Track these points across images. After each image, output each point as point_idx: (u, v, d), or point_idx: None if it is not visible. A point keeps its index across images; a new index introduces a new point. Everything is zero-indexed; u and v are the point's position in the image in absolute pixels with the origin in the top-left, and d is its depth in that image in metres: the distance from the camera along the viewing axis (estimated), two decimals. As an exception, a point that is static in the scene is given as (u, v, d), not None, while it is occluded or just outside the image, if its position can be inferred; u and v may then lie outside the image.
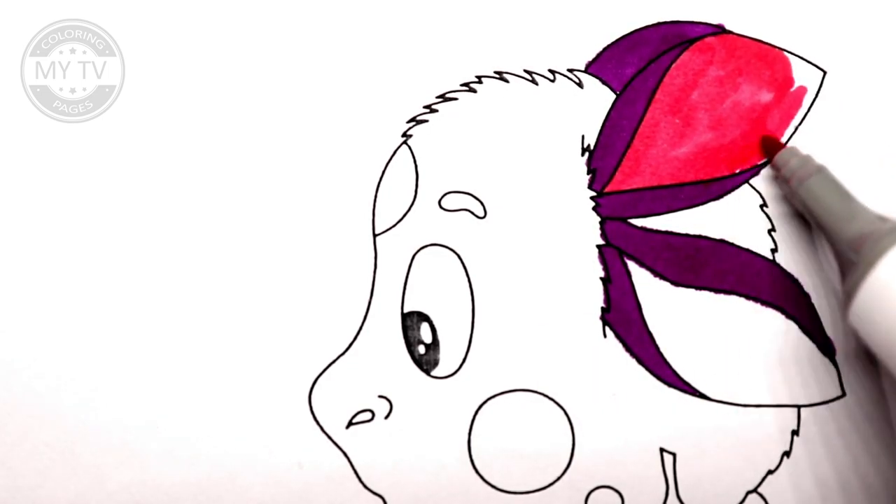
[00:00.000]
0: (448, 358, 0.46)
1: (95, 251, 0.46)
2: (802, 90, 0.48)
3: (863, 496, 0.45)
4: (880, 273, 0.40)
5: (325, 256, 0.46)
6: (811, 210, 0.45)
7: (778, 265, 0.47)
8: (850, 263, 0.42)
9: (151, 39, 0.48)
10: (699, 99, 0.48)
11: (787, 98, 0.48)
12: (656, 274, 0.46)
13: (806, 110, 0.48)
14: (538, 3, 0.49)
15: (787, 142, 0.48)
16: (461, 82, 0.48)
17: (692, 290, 0.46)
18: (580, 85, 0.48)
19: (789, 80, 0.48)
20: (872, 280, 0.40)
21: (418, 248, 0.46)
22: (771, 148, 0.47)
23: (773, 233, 0.47)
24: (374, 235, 0.46)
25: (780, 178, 0.47)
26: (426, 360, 0.46)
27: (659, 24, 0.49)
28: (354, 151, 0.47)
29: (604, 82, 0.48)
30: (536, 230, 0.47)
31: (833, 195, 0.44)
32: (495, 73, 0.48)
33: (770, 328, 0.46)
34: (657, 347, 0.46)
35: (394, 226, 0.46)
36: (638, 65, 0.48)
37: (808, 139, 0.48)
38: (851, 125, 0.48)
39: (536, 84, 0.48)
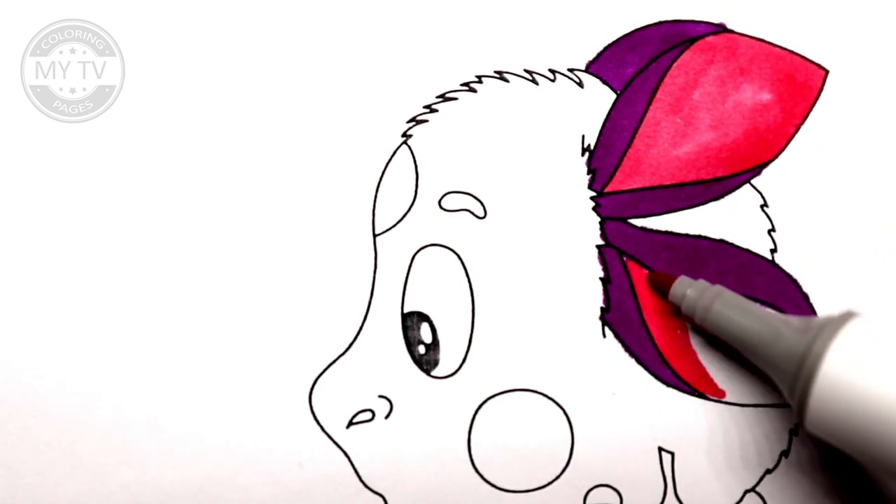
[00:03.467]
0: (448, 358, 0.46)
1: (96, 251, 0.46)
2: (805, 90, 0.48)
3: (860, 496, 0.45)
4: (829, 366, 0.39)
5: (325, 256, 0.46)
6: (728, 335, 0.43)
7: (778, 265, 0.47)
8: (786, 375, 0.41)
9: (151, 39, 0.48)
10: (700, 98, 0.48)
11: (790, 98, 0.48)
12: (656, 274, 0.46)
13: (808, 110, 0.48)
14: (538, 2, 0.48)
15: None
16: (461, 82, 0.48)
17: (692, 291, 0.46)
18: (581, 84, 0.48)
19: (791, 80, 0.48)
20: (823, 377, 0.39)
21: (418, 248, 0.46)
22: (661, 284, 0.46)
23: (773, 233, 0.47)
24: (374, 235, 0.46)
25: (683, 315, 0.45)
26: (426, 360, 0.46)
27: (660, 23, 0.49)
28: (354, 151, 0.47)
29: (604, 82, 0.48)
30: (536, 230, 0.47)
31: (744, 314, 0.43)
32: (495, 72, 0.48)
33: (769, 328, 0.46)
34: (656, 347, 0.46)
35: (394, 226, 0.46)
36: (639, 64, 0.48)
37: (810, 139, 0.48)
38: (854, 125, 0.48)
39: (537, 84, 0.48)
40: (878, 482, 0.45)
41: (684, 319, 0.46)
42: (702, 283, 0.45)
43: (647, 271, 0.46)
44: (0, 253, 0.46)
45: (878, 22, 0.49)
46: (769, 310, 0.43)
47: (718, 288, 0.44)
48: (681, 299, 0.44)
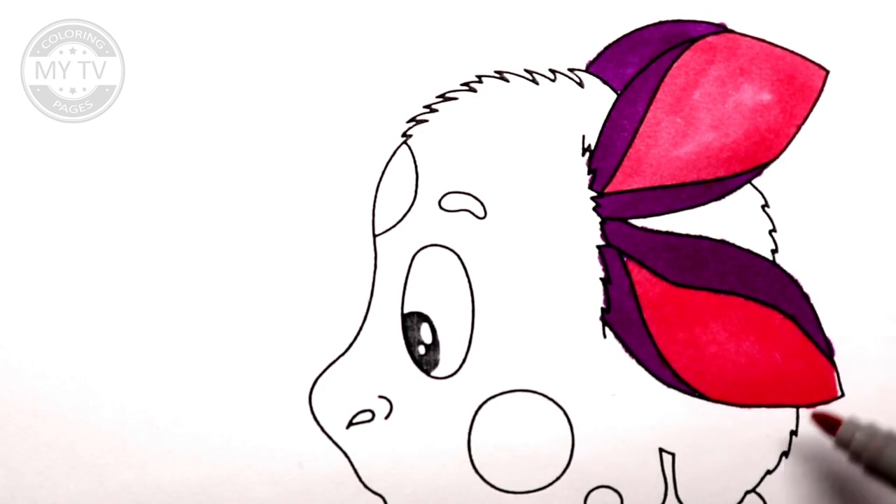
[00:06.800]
0: (448, 358, 0.46)
1: (96, 251, 0.46)
2: (805, 90, 0.48)
3: (860, 496, 0.45)
4: None
5: (325, 256, 0.46)
6: None
7: (778, 266, 0.47)
8: None
9: (151, 39, 0.48)
10: (701, 99, 0.48)
11: (790, 98, 0.48)
12: (656, 274, 0.46)
13: (808, 110, 0.48)
14: (538, 2, 0.48)
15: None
16: (461, 82, 0.48)
17: (692, 291, 0.46)
18: (581, 84, 0.48)
19: (791, 80, 0.48)
20: None
21: (418, 248, 0.46)
22: (828, 425, 0.43)
23: (773, 233, 0.47)
24: (374, 236, 0.46)
25: (850, 456, 0.42)
26: (426, 361, 0.46)
27: (660, 23, 0.49)
28: (354, 151, 0.47)
29: (605, 82, 0.48)
30: (536, 230, 0.47)
31: None
32: (496, 72, 0.48)
33: (769, 329, 0.46)
34: (657, 348, 0.46)
35: (394, 226, 0.46)
36: (639, 64, 0.48)
37: (810, 139, 0.48)
38: (854, 125, 0.48)
39: (537, 84, 0.48)
40: None
41: (850, 460, 0.42)
42: (871, 426, 0.42)
43: (647, 272, 0.46)
44: (0, 253, 0.46)
45: (878, 22, 0.49)
46: None
47: (890, 432, 0.41)
48: (848, 442, 0.42)
